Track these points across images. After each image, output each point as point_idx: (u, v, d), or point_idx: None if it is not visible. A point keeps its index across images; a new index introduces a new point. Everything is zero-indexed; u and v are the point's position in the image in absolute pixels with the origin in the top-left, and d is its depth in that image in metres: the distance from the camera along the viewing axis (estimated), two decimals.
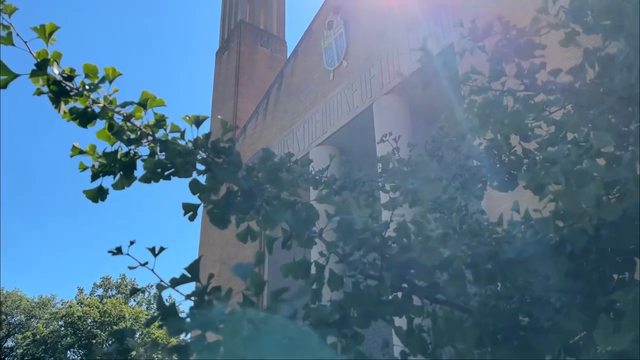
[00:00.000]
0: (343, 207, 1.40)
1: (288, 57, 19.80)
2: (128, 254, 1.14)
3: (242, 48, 24.46)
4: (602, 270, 1.37)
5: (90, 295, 38.51)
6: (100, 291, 39.22)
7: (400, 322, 1.44)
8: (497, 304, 1.38)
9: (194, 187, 1.36)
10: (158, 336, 31.31)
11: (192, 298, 1.03)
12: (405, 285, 1.34)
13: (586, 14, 1.90)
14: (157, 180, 1.37)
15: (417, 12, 12.60)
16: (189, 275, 1.09)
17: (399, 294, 1.35)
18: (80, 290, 38.60)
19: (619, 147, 1.65)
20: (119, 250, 1.14)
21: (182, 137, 1.36)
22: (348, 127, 14.57)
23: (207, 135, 1.35)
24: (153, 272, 1.10)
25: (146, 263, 1.10)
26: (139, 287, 39.38)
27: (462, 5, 11.09)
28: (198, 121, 1.34)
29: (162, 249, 1.14)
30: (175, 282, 1.07)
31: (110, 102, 1.36)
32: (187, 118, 1.35)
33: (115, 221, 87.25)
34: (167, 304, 1.07)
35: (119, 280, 39.59)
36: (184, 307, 1.17)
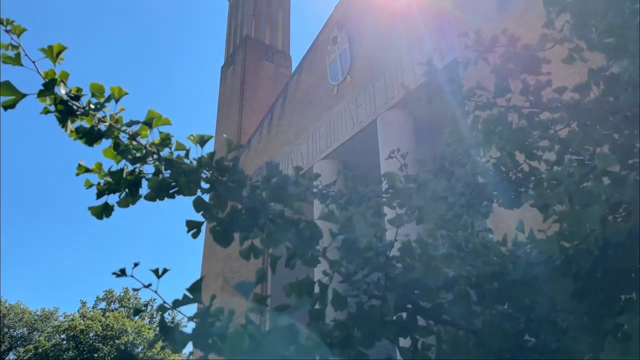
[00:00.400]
0: (347, 225, 1.39)
1: (293, 71, 19.93)
2: (132, 276, 1.14)
3: (247, 63, 24.68)
4: (609, 290, 1.35)
5: (92, 308, 38.38)
6: (103, 304, 39.10)
7: (405, 341, 1.42)
8: (503, 325, 1.36)
9: (198, 205, 1.37)
10: (159, 352, 31.05)
11: (195, 320, 1.03)
12: (409, 305, 1.32)
13: (590, 30, 1.90)
14: (161, 199, 1.37)
15: (421, 28, 12.69)
16: (191, 297, 1.08)
17: (404, 314, 1.33)
18: (83, 304, 38.50)
19: (624, 166, 1.64)
20: (122, 272, 1.14)
21: (187, 155, 1.37)
22: (352, 141, 14.60)
23: (212, 154, 1.36)
24: (156, 293, 1.09)
25: (149, 285, 1.10)
26: (142, 300, 39.22)
27: (466, 21, 11.16)
28: (202, 141, 1.35)
29: (165, 271, 1.13)
30: (177, 304, 1.07)
31: (116, 121, 1.37)
32: (192, 138, 1.36)
33: (119, 235, 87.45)
34: (169, 321, 1.06)
35: (121, 294, 39.46)
36: (188, 324, 1.16)
